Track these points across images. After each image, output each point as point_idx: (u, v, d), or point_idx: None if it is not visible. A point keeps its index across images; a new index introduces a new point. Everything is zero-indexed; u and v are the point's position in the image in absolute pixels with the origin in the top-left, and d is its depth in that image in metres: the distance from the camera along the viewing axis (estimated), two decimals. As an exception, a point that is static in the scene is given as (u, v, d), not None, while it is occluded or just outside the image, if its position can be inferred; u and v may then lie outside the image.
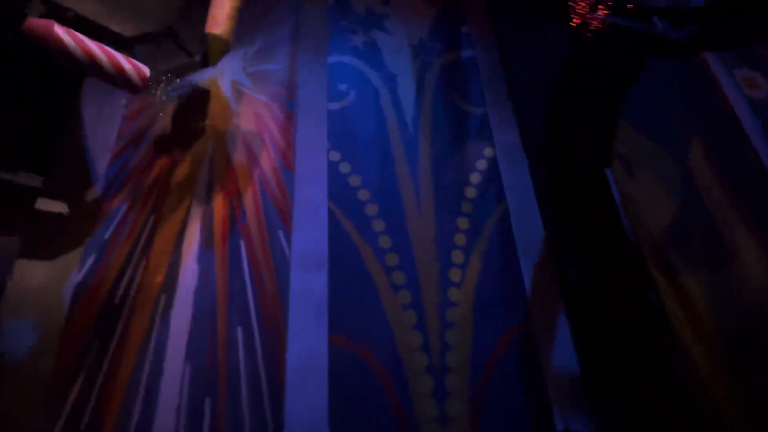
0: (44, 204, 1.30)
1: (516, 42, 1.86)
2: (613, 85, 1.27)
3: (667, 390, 1.24)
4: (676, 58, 1.54)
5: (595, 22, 1.16)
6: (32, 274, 1.27)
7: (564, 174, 1.45)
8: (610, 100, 1.30)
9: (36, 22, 1.01)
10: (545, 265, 1.40)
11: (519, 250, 1.41)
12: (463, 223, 1.45)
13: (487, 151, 1.60)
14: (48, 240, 1.31)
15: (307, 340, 1.24)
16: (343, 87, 1.70)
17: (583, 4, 1.19)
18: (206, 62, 1.38)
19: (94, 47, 1.07)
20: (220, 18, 1.29)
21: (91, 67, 1.09)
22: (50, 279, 1.27)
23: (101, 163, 1.48)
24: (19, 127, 1.28)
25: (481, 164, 1.57)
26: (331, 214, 1.43)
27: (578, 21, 1.20)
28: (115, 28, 1.13)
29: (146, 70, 1.19)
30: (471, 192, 1.51)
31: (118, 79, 1.15)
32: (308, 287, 1.32)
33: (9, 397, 1.13)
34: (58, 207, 1.35)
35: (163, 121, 1.56)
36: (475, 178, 1.54)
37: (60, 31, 1.02)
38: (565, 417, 1.19)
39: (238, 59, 1.72)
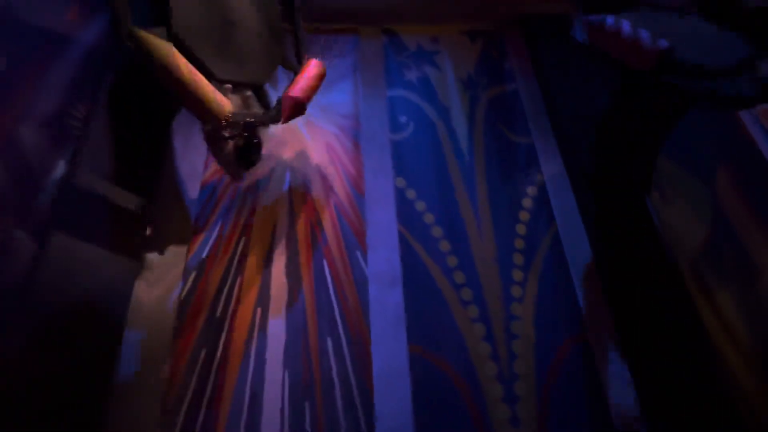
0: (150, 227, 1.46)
1: (554, 76, 2.04)
2: (656, 127, 1.44)
3: (707, 395, 1.39)
4: (723, 112, 1.71)
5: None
6: (142, 289, 1.42)
7: (608, 201, 1.61)
8: (653, 139, 1.48)
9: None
10: (595, 282, 1.56)
11: (571, 269, 1.57)
12: (519, 243, 1.62)
13: (537, 178, 1.77)
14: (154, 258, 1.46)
15: (389, 350, 1.39)
16: (402, 119, 1.88)
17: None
18: (278, 119, 1.50)
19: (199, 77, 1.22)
20: (303, 86, 1.42)
21: (187, 92, 1.22)
22: (157, 294, 1.43)
23: (192, 189, 1.65)
24: (132, 157, 1.45)
25: (532, 190, 1.74)
26: (401, 236, 1.60)
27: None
28: (216, 70, 1.28)
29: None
30: (525, 216, 1.68)
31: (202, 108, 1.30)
32: (385, 302, 1.48)
33: (129, 402, 1.27)
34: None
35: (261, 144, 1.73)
36: (527, 203, 1.71)
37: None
38: (621, 418, 1.34)
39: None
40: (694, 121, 1.88)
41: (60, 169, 1.29)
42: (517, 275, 1.56)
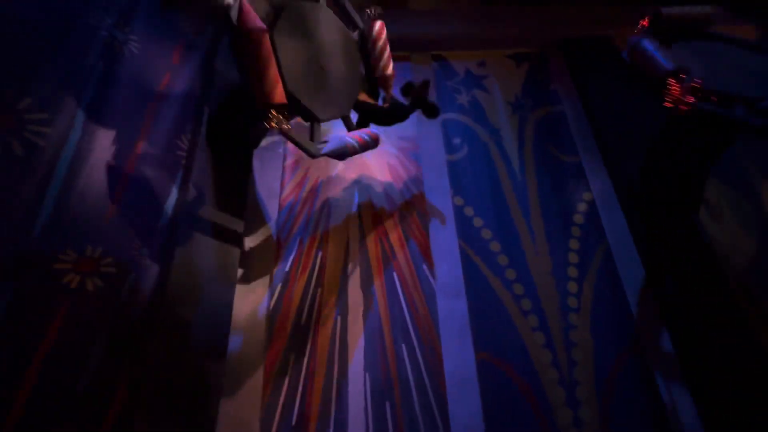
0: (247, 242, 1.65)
1: (598, 96, 2.15)
2: (705, 153, 1.55)
3: (758, 400, 1.48)
4: (758, 139, 1.81)
5: (684, 106, 1.44)
6: (237, 299, 1.60)
7: (657, 219, 1.71)
8: (702, 163, 1.58)
9: None
10: (647, 294, 1.66)
11: (623, 281, 1.68)
12: (573, 257, 1.73)
13: (585, 195, 1.89)
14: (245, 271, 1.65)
15: (458, 356, 1.53)
16: (456, 141, 2.03)
17: (676, 88, 1.48)
18: (317, 155, 1.66)
19: None
20: (362, 141, 1.61)
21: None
22: (250, 302, 1.61)
23: (271, 208, 1.83)
24: (225, 182, 1.64)
25: (582, 207, 1.86)
26: (462, 251, 1.74)
27: (670, 103, 1.48)
28: (318, 113, 1.46)
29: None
30: (576, 231, 1.80)
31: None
32: (452, 312, 1.62)
33: (234, 399, 1.44)
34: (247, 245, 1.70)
35: (317, 172, 1.91)
36: (578, 219, 1.82)
37: None
38: (678, 419, 1.43)
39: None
40: (739, 138, 1.97)
41: (173, 195, 1.49)
42: (572, 287, 1.67)
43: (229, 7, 1.16)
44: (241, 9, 1.16)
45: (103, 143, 1.32)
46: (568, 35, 2.33)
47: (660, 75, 1.41)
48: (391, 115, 1.70)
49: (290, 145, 1.99)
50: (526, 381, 1.50)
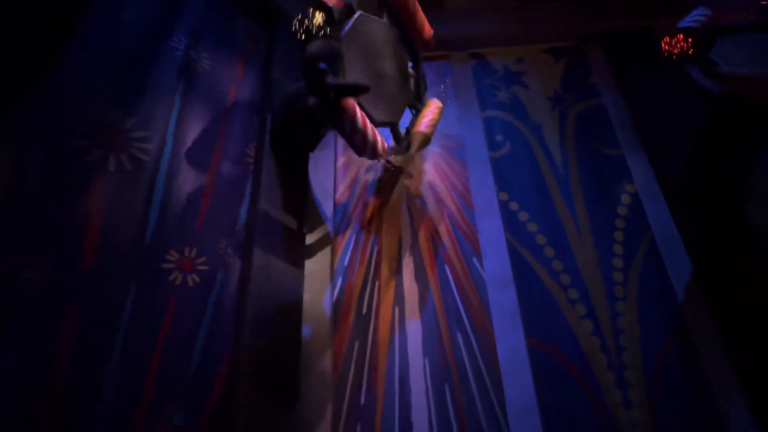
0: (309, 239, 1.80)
1: (638, 88, 2.17)
2: (751, 142, 1.58)
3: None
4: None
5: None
6: (305, 291, 1.75)
7: (704, 209, 1.75)
8: (748, 152, 1.61)
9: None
10: (693, 282, 1.72)
11: (669, 270, 1.74)
12: (618, 248, 1.80)
13: (629, 188, 1.94)
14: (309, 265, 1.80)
15: (510, 342, 1.64)
16: (499, 138, 2.10)
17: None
18: (408, 149, 1.79)
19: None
20: (428, 121, 1.71)
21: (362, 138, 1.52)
22: (314, 295, 1.76)
23: (327, 207, 1.96)
24: (288, 184, 1.78)
25: (626, 199, 1.91)
26: (509, 243, 1.83)
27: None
28: (375, 116, 1.58)
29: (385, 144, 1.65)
30: (620, 223, 1.86)
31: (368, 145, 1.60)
32: (502, 301, 1.72)
33: (309, 381, 1.60)
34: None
35: (367, 173, 2.03)
36: (622, 210, 1.88)
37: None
38: (724, 400, 1.50)
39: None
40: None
41: (246, 199, 1.64)
42: (618, 277, 1.74)
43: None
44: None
45: (190, 155, 1.47)
46: (606, 27, 2.34)
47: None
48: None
49: (341, 147, 2.11)
50: (575, 365, 1.60)
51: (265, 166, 1.69)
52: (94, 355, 1.04)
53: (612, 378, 1.57)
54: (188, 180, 1.43)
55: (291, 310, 1.61)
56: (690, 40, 1.45)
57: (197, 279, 1.34)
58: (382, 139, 1.59)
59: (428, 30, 1.75)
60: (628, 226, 1.85)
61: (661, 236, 1.81)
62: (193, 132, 1.51)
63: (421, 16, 1.75)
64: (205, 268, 1.38)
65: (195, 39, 1.64)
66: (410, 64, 1.81)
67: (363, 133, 1.45)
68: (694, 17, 1.49)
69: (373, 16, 1.64)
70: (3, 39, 0.78)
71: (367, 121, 1.45)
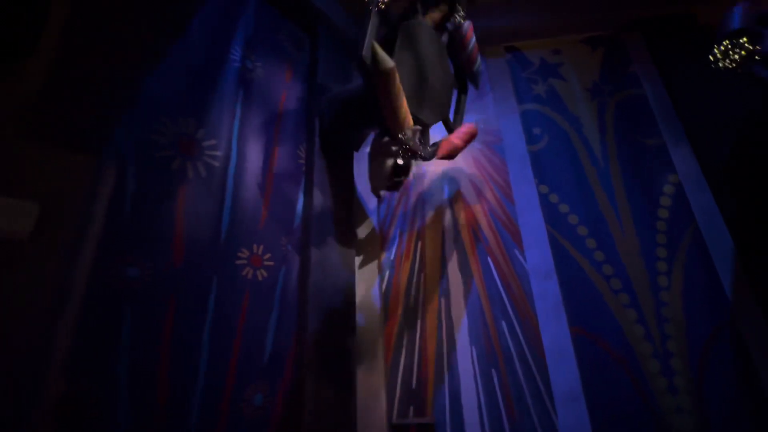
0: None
1: (680, 76, 2.14)
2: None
3: None
4: None
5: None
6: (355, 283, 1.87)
7: (754, 198, 1.74)
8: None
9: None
10: (739, 272, 1.72)
11: (714, 260, 1.75)
12: (661, 238, 1.82)
13: (671, 177, 1.94)
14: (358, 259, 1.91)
15: (554, 331, 1.70)
16: (537, 131, 2.13)
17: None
18: (433, 155, 1.83)
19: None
20: (462, 135, 1.75)
21: (394, 103, 1.54)
22: (364, 287, 1.87)
23: (371, 202, 2.06)
24: (337, 181, 1.88)
25: (668, 189, 1.91)
26: (550, 235, 1.88)
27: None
28: (422, 116, 1.65)
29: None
30: (664, 213, 1.87)
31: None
32: (545, 291, 1.78)
33: (364, 366, 1.72)
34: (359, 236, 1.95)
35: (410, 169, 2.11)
36: (665, 201, 1.89)
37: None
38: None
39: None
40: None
41: (300, 199, 1.75)
42: (662, 267, 1.77)
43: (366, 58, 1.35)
44: (375, 53, 1.34)
45: (252, 159, 1.59)
46: (645, 15, 2.30)
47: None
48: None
49: (381, 145, 2.20)
50: (620, 352, 1.65)
51: (316, 166, 1.80)
52: (188, 341, 1.18)
53: (657, 365, 1.61)
54: (252, 182, 1.55)
55: (345, 300, 1.73)
56: (740, 44, 1.44)
57: (265, 274, 1.47)
58: (410, 117, 1.62)
59: (478, 65, 1.80)
60: (671, 216, 1.86)
61: (706, 226, 1.82)
62: (252, 137, 1.63)
63: (476, 50, 1.79)
64: (271, 263, 1.50)
65: (249, 49, 1.75)
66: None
67: (397, 103, 1.47)
68: (735, 17, 1.47)
69: (425, 22, 1.70)
70: (103, 69, 0.90)
71: (402, 96, 1.47)
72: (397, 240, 1.97)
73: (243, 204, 1.50)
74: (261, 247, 1.49)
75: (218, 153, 1.47)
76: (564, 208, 1.93)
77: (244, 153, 1.58)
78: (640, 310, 1.71)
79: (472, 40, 1.80)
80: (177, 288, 1.20)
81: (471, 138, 1.75)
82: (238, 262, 1.41)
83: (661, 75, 2.18)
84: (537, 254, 1.85)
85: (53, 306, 0.94)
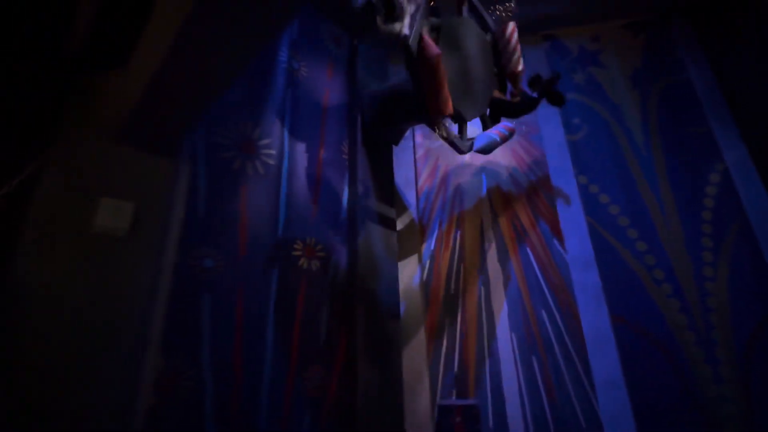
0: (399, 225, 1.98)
1: (729, 60, 2.07)
2: None
3: None
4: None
5: None
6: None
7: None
8: None
9: None
10: (790, 262, 1.69)
11: (763, 251, 1.72)
12: (707, 228, 1.80)
13: (718, 166, 1.90)
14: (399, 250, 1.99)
15: (595, 319, 1.73)
16: (576, 121, 2.12)
17: None
18: (469, 149, 1.86)
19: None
20: (500, 131, 1.77)
21: (437, 87, 1.58)
22: (406, 276, 1.95)
23: (409, 195, 2.13)
24: (379, 175, 1.96)
25: (714, 177, 1.88)
26: (590, 226, 1.89)
27: None
28: (461, 110, 1.68)
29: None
30: (709, 202, 1.84)
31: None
32: (585, 281, 1.81)
33: (408, 351, 1.82)
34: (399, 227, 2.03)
35: (446, 161, 2.16)
36: (711, 190, 1.86)
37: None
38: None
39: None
40: None
41: (345, 192, 1.84)
42: (707, 257, 1.75)
43: (406, 38, 1.40)
44: (421, 38, 1.39)
45: (301, 155, 1.69)
46: (692, -4, 2.21)
47: None
48: (519, 109, 1.86)
49: (419, 138, 2.25)
50: (662, 341, 1.66)
51: (359, 160, 1.88)
52: (256, 324, 1.30)
53: (701, 354, 1.62)
54: (302, 178, 1.65)
55: (389, 289, 1.82)
56: None
57: (318, 264, 1.58)
58: (451, 105, 1.65)
59: (520, 67, 1.80)
60: (717, 206, 1.83)
61: (756, 215, 1.78)
62: (301, 135, 1.72)
63: (519, 54, 1.80)
64: (323, 254, 1.61)
65: (294, 50, 1.83)
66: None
67: (440, 91, 1.51)
68: None
69: (470, 18, 1.73)
70: (186, 81, 0.99)
71: (445, 84, 1.50)
72: (436, 231, 2.03)
73: (296, 199, 1.60)
74: (313, 239, 1.60)
75: (273, 152, 1.57)
76: (604, 198, 1.94)
77: (295, 150, 1.67)
78: (684, 299, 1.71)
79: (515, 40, 1.80)
80: (244, 277, 1.32)
81: (509, 135, 1.78)
82: (294, 253, 1.52)
83: (708, 59, 2.11)
84: (577, 245, 1.87)
85: (148, 292, 1.08)
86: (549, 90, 1.84)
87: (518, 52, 1.77)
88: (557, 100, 1.88)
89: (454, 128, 1.70)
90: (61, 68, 1.07)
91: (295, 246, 1.52)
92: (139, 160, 1.10)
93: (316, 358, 1.46)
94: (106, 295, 1.00)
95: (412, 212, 2.10)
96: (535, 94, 1.87)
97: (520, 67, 1.79)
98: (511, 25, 1.76)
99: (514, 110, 1.86)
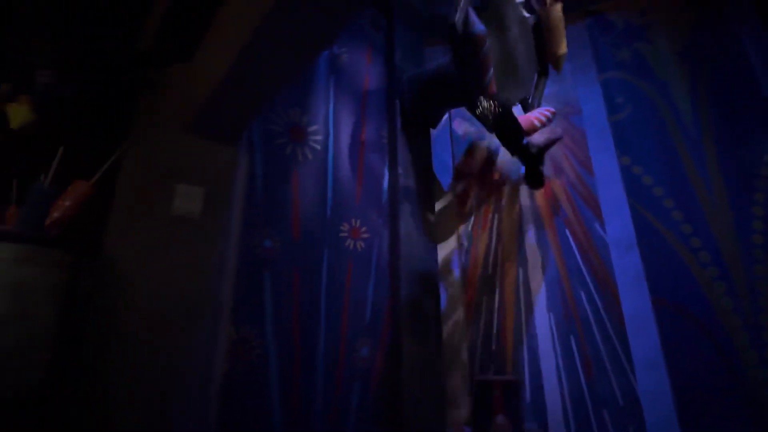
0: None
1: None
2: None
3: None
4: None
5: None
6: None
7: None
8: None
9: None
10: None
11: (820, 233, 1.66)
12: (758, 210, 1.74)
13: (774, 145, 1.82)
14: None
15: (635, 300, 1.74)
16: (619, 100, 2.07)
17: None
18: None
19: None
20: (540, 115, 1.75)
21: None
22: (444, 257, 2.01)
23: (446, 177, 2.16)
24: (418, 160, 2.00)
25: (769, 158, 1.81)
26: (632, 207, 1.87)
27: None
28: (504, 93, 1.69)
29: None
30: (762, 183, 1.78)
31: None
32: (626, 263, 1.80)
33: (447, 329, 1.89)
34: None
35: (483, 144, 2.16)
36: (765, 171, 1.79)
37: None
38: None
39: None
40: None
41: (386, 176, 1.89)
42: (758, 239, 1.71)
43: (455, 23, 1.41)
44: (467, 18, 1.40)
45: (345, 140, 1.75)
46: (752, -40, 2.07)
47: None
48: (515, 144, 1.79)
49: (456, 121, 2.26)
50: (706, 323, 1.65)
51: (399, 144, 1.92)
52: (311, 300, 1.40)
53: (747, 338, 1.60)
54: (347, 162, 1.72)
55: (429, 269, 1.88)
56: None
57: (363, 245, 1.66)
58: (494, 87, 1.66)
59: (563, 49, 1.76)
60: (771, 187, 1.77)
61: (813, 196, 1.71)
62: (344, 120, 1.78)
63: (563, 36, 1.75)
64: (367, 236, 1.68)
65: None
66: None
67: (485, 68, 1.52)
68: None
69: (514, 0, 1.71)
70: (248, 71, 1.06)
71: (490, 65, 1.51)
72: (473, 214, 2.07)
73: (341, 183, 1.67)
74: (358, 221, 1.67)
75: (319, 137, 1.64)
76: (648, 180, 1.90)
77: (339, 135, 1.73)
78: (731, 282, 1.68)
79: (560, 21, 1.76)
80: (298, 257, 1.41)
81: (549, 120, 1.76)
82: (341, 234, 1.60)
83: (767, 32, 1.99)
84: (618, 226, 1.86)
85: (219, 270, 1.18)
86: (535, 164, 1.78)
87: (562, 34, 1.74)
88: (535, 180, 1.83)
89: (495, 111, 1.71)
90: (134, 65, 1.16)
91: (342, 228, 1.60)
92: (207, 148, 1.19)
93: (364, 332, 1.56)
94: (184, 272, 1.12)
95: (450, 195, 2.13)
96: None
97: (563, 50, 1.76)
98: (558, 6, 1.72)
99: (510, 139, 1.80)
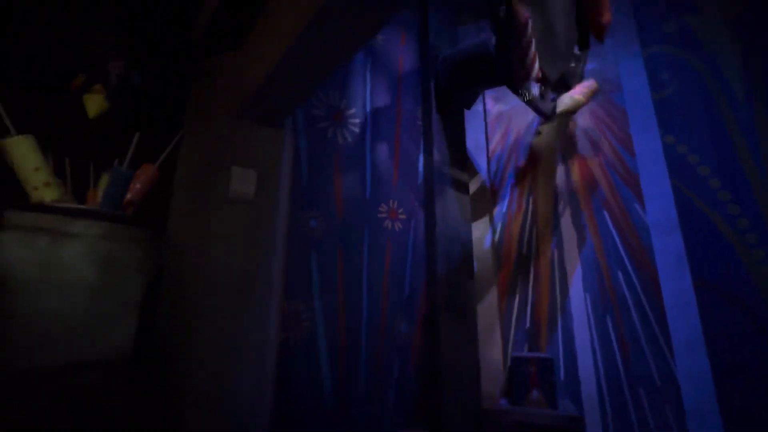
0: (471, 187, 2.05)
1: None
2: None
3: None
4: None
5: None
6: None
7: None
8: None
9: None
10: None
11: None
12: (814, 190, 1.67)
13: (835, 121, 1.71)
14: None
15: (676, 283, 1.72)
16: (664, 76, 1.98)
17: None
18: (553, 111, 1.84)
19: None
20: (584, 89, 1.70)
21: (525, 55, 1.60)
22: (478, 237, 2.03)
23: (480, 159, 2.16)
24: (453, 140, 2.00)
25: (829, 134, 1.71)
26: (675, 188, 1.82)
27: None
28: (546, 70, 1.66)
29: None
30: (819, 162, 1.69)
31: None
32: (667, 246, 1.77)
33: (481, 307, 1.93)
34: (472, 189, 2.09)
35: (518, 125, 2.14)
36: (823, 148, 1.70)
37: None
38: None
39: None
40: None
41: (420, 158, 1.92)
42: (812, 220, 1.64)
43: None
44: (510, 3, 1.38)
45: (382, 123, 1.78)
46: None
47: None
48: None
49: (489, 101, 2.24)
50: (752, 306, 1.62)
51: (434, 125, 1.93)
52: (353, 277, 1.47)
53: (794, 320, 1.57)
54: (384, 145, 1.75)
55: (464, 249, 1.92)
56: None
57: (400, 226, 1.70)
58: (537, 69, 1.64)
59: (607, 17, 1.69)
60: (829, 165, 1.68)
61: None
62: (381, 103, 1.81)
63: (607, 3, 1.69)
64: (404, 216, 1.73)
65: (370, 18, 1.87)
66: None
67: (527, 49, 1.50)
68: None
69: None
70: (296, 58, 1.10)
71: (533, 47, 1.49)
72: (508, 195, 2.07)
73: (379, 165, 1.71)
74: (395, 203, 1.71)
75: (357, 120, 1.67)
76: (693, 158, 1.84)
77: (376, 118, 1.76)
78: (779, 264, 1.63)
79: None
80: (342, 236, 1.48)
81: (593, 93, 1.72)
82: (380, 215, 1.65)
83: (834, -4, 1.84)
84: (658, 208, 1.82)
85: (270, 248, 1.26)
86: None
87: (606, 1, 1.68)
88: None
89: (535, 89, 1.69)
90: (189, 54, 1.22)
91: (380, 209, 1.65)
92: (257, 132, 1.25)
93: (402, 309, 1.62)
94: (240, 250, 1.20)
95: (483, 176, 2.14)
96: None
97: (607, 18, 1.69)
98: None
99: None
